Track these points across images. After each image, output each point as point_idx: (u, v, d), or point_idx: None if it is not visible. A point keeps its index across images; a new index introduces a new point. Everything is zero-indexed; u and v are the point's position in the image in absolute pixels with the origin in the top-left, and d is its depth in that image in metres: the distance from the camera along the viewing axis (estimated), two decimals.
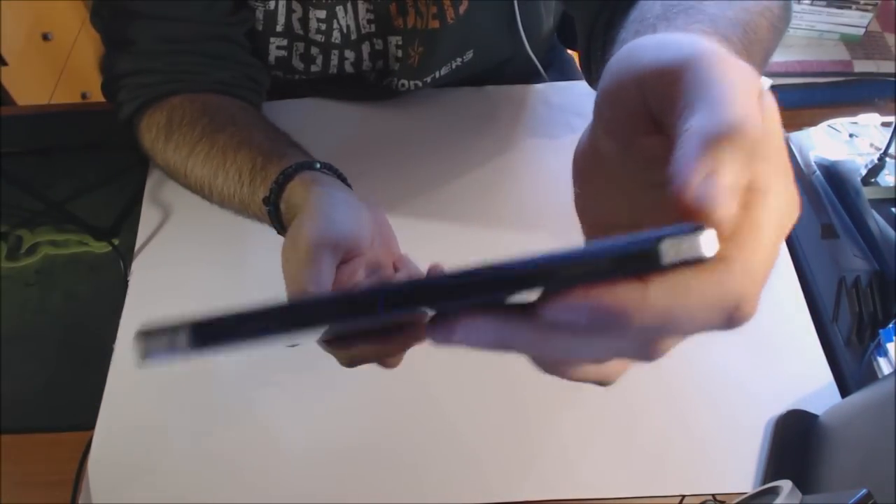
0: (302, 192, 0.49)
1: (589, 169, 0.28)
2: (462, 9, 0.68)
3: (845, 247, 0.64)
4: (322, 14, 0.67)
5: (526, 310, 0.21)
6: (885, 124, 0.72)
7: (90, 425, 0.59)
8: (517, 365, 0.67)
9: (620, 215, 0.28)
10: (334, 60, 0.72)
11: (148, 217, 0.72)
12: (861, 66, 0.84)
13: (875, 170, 0.67)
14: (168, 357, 0.19)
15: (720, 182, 0.20)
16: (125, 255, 0.69)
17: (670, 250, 0.18)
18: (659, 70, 0.23)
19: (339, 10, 0.67)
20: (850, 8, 0.84)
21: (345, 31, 0.69)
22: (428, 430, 0.58)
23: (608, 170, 0.27)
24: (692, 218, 0.19)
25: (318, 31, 0.69)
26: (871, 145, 0.70)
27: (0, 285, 0.69)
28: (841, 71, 0.84)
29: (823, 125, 0.73)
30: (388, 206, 0.60)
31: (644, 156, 0.25)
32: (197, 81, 0.64)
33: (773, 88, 0.71)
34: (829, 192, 0.68)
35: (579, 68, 0.84)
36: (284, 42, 0.70)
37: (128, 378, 0.62)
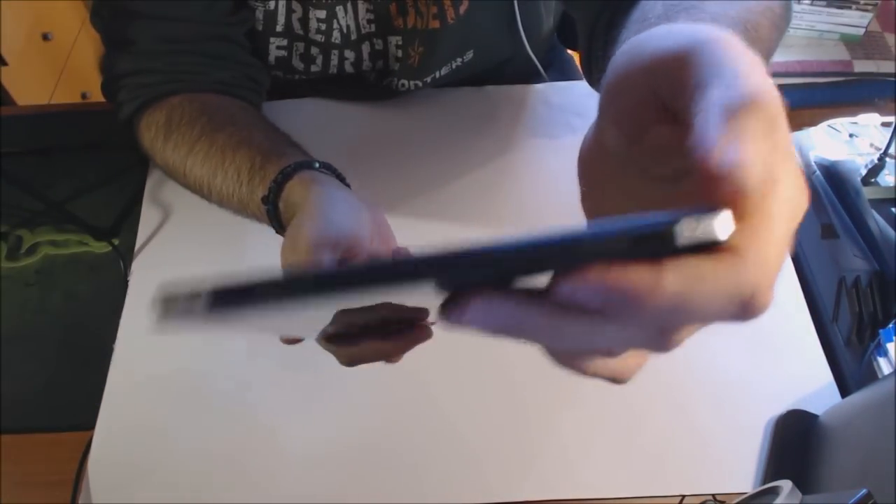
0: (301, 191, 0.50)
1: (595, 166, 0.28)
2: (462, 9, 0.68)
3: (845, 247, 0.64)
4: (322, 14, 0.67)
5: (538, 293, 0.20)
6: (885, 124, 0.72)
7: (90, 425, 0.59)
8: (517, 365, 0.67)
9: (628, 213, 0.27)
10: (334, 60, 0.72)
11: (148, 217, 0.72)
12: (861, 66, 0.84)
13: (875, 170, 0.67)
14: (186, 320, 0.19)
15: (746, 147, 0.19)
16: (125, 255, 0.69)
17: (686, 230, 0.18)
18: (668, 55, 0.23)
19: (339, 10, 0.67)
20: (850, 8, 0.84)
21: (345, 31, 0.69)
22: (428, 430, 0.58)
23: (615, 165, 0.27)
24: (716, 185, 0.19)
25: (318, 31, 0.69)
26: (871, 145, 0.70)
27: (0, 285, 0.69)
28: (841, 71, 0.84)
29: (823, 125, 0.73)
30: (388, 206, 0.60)
31: (652, 145, 0.25)
32: (197, 81, 0.64)
33: None
34: (829, 192, 0.68)
35: (579, 68, 0.84)
36: (284, 42, 0.70)
37: (128, 378, 0.62)
